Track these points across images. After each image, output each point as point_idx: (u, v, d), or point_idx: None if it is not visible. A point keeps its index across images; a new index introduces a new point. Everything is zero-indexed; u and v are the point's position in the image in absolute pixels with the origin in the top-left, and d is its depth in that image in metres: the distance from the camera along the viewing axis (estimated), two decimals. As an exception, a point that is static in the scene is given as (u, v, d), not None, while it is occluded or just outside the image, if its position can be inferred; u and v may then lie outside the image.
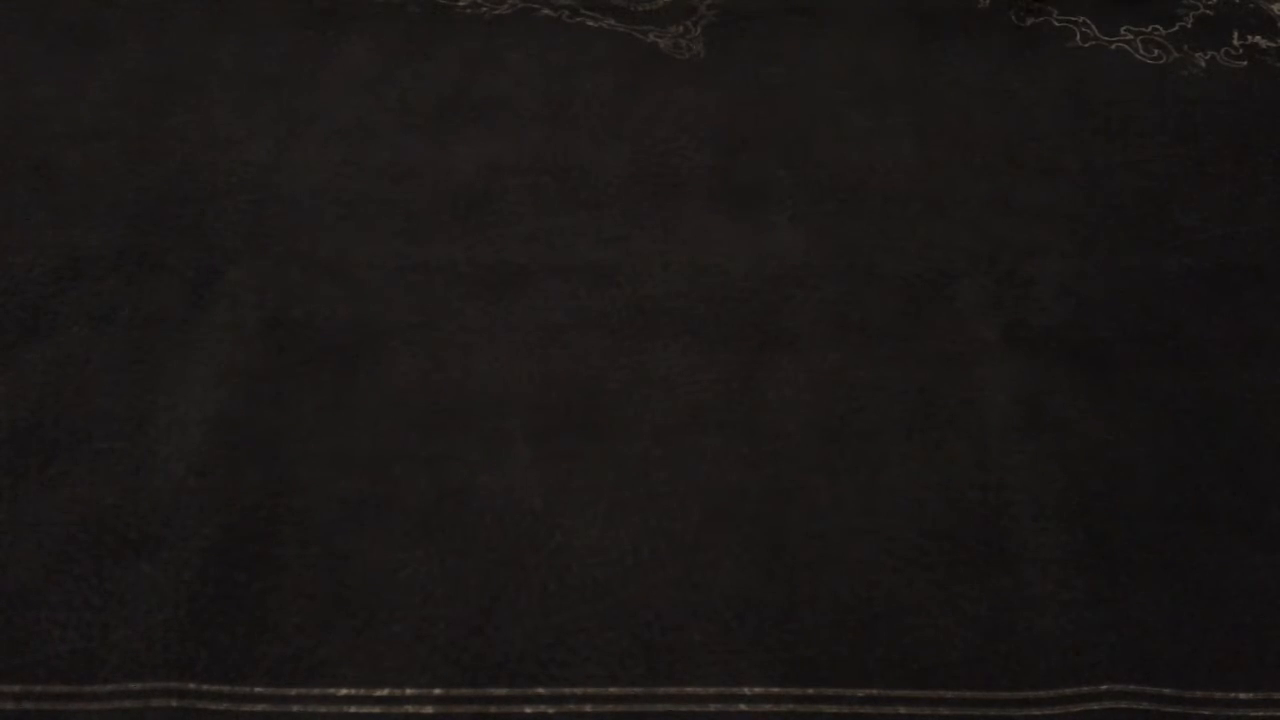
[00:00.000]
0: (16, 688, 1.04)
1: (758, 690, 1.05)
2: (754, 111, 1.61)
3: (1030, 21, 1.77)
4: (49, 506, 1.16)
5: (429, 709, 1.04)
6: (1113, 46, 1.73)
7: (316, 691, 1.04)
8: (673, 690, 1.05)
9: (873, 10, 1.77)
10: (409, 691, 1.04)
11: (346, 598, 1.10)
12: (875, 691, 1.05)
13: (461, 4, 1.76)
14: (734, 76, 1.66)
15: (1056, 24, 1.76)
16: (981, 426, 1.25)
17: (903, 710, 1.04)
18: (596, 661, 1.06)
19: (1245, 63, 1.71)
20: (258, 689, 1.04)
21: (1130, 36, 1.74)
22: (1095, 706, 1.05)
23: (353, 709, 1.04)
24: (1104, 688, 1.06)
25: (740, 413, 1.26)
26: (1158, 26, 1.76)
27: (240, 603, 1.09)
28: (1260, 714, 1.05)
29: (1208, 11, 1.78)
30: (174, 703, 1.03)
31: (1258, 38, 1.74)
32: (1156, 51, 1.72)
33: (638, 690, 1.05)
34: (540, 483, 1.19)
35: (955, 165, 1.54)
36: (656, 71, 1.67)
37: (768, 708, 1.04)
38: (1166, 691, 1.06)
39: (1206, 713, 1.05)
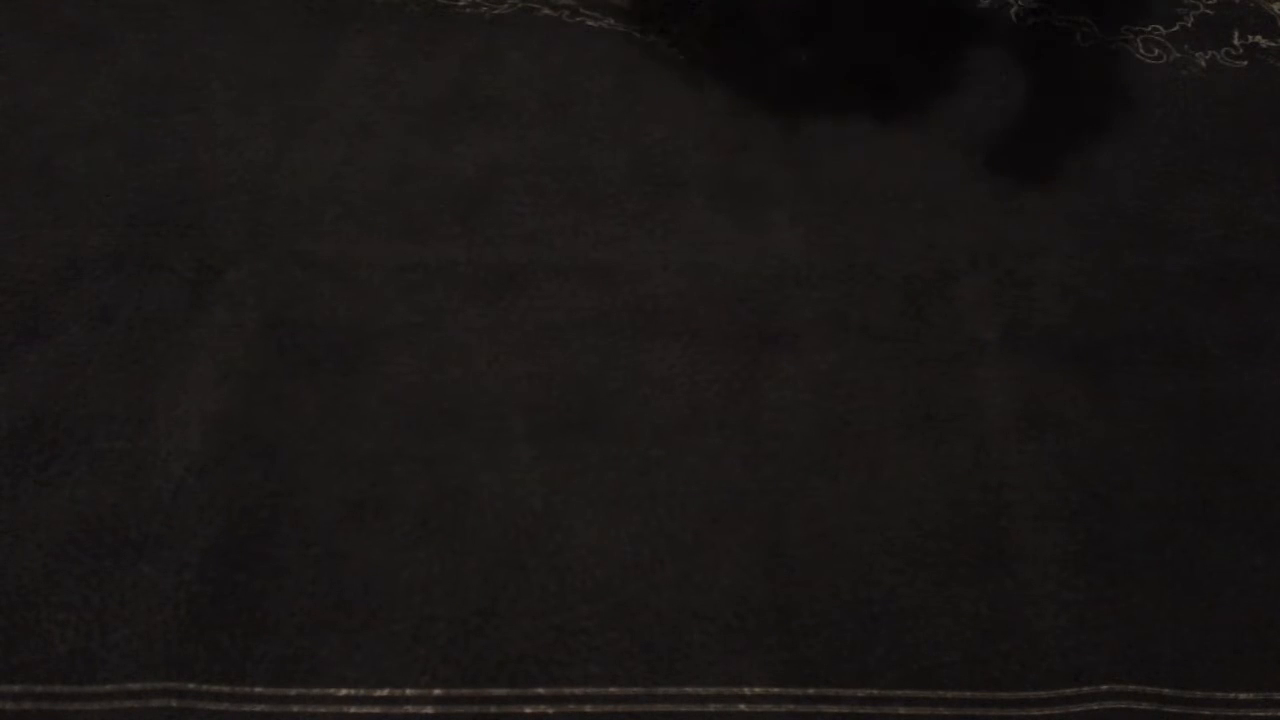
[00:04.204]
0: (16, 688, 1.04)
1: (758, 690, 1.05)
2: (754, 111, 1.61)
3: (1030, 21, 1.77)
4: (49, 506, 1.16)
5: (429, 709, 1.04)
6: (1113, 46, 1.73)
7: (316, 691, 1.04)
8: (673, 690, 1.05)
9: (871, 11, 1.77)
10: (409, 691, 1.04)
11: (346, 598, 1.10)
12: (875, 691, 1.05)
13: (461, 4, 1.76)
14: (734, 76, 1.66)
15: (1057, 24, 1.76)
16: (981, 426, 1.25)
17: (903, 710, 1.04)
18: (596, 661, 1.06)
19: (1245, 62, 1.71)
20: (258, 689, 1.04)
21: (1130, 36, 1.74)
22: (1095, 706, 1.05)
23: (353, 709, 1.04)
24: (1104, 688, 1.06)
25: (740, 413, 1.26)
26: (1158, 26, 1.76)
27: (240, 603, 1.09)
28: (1260, 714, 1.05)
29: (1208, 11, 1.78)
30: (174, 703, 1.03)
31: (1258, 37, 1.74)
32: (1156, 51, 1.72)
33: (638, 690, 1.05)
34: (540, 483, 1.19)
35: (955, 165, 1.54)
36: (656, 71, 1.67)
37: (768, 708, 1.04)
38: (1166, 691, 1.06)
39: (1206, 713, 1.05)
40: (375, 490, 1.18)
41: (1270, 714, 1.05)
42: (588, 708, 1.04)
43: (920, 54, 1.71)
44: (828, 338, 1.33)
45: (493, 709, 1.04)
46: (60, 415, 1.23)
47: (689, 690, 1.05)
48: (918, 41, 1.73)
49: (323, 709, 1.03)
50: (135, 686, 1.04)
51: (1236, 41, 1.73)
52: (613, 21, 1.74)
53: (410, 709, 1.04)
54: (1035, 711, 1.04)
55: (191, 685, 1.04)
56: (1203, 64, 1.70)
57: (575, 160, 1.53)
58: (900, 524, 1.17)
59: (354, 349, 1.30)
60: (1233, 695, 1.06)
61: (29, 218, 1.43)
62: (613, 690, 1.05)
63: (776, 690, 1.05)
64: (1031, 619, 1.10)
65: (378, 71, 1.65)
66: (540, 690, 1.05)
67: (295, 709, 1.03)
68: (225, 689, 1.04)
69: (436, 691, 1.05)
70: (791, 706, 1.04)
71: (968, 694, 1.05)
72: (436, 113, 1.59)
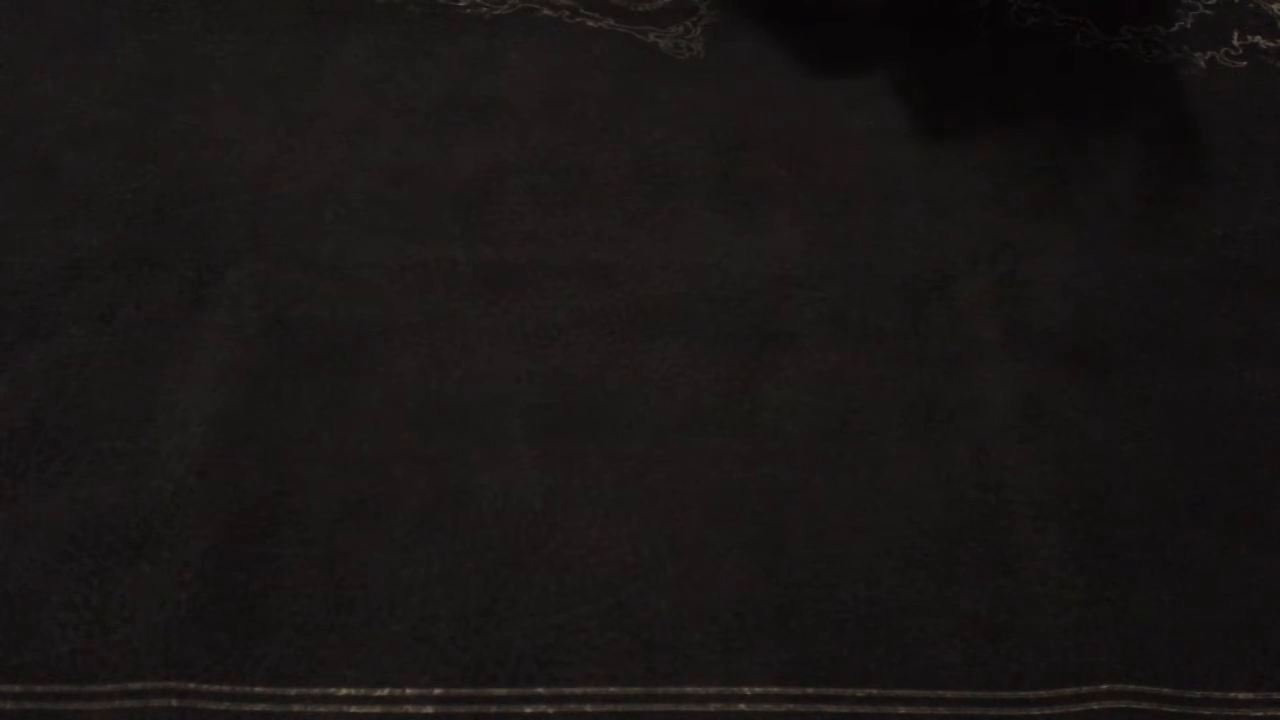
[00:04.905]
0: (16, 688, 1.04)
1: (758, 690, 1.05)
2: (754, 111, 1.61)
3: (1030, 21, 1.77)
4: (49, 506, 1.16)
5: (429, 709, 1.04)
6: (1112, 46, 1.73)
7: (316, 691, 1.04)
8: (673, 690, 1.05)
9: (872, 11, 1.77)
10: (409, 691, 1.04)
11: (346, 598, 1.10)
12: (875, 691, 1.05)
13: (461, 4, 1.76)
14: (734, 76, 1.66)
15: (1057, 24, 1.76)
16: (981, 426, 1.25)
17: (903, 710, 1.05)
18: (596, 661, 1.06)
19: (1245, 63, 1.71)
20: (258, 689, 1.04)
21: (1130, 36, 1.74)
22: (1095, 706, 1.05)
23: (353, 709, 1.04)
24: (1104, 688, 1.06)
25: (740, 413, 1.26)
26: (1158, 26, 1.76)
27: (240, 603, 1.09)
28: (1260, 714, 1.05)
29: (1208, 11, 1.78)
30: (174, 702, 1.03)
31: (1258, 38, 1.74)
32: (1156, 51, 1.72)
33: (638, 690, 1.05)
34: (540, 483, 1.19)
35: (955, 165, 1.54)
36: (656, 71, 1.67)
37: (768, 708, 1.04)
38: (1166, 691, 1.06)
39: (1206, 713, 1.05)
40: (375, 490, 1.18)
41: (1270, 714, 1.05)
42: (588, 708, 1.04)
43: (920, 53, 1.71)
44: (828, 338, 1.33)
45: (493, 709, 1.04)
46: (60, 415, 1.23)
47: (689, 690, 1.05)
48: (917, 41, 1.73)
49: (323, 709, 1.03)
50: (135, 686, 1.04)
51: (1236, 41, 1.73)
52: (613, 21, 1.74)
53: (410, 709, 1.04)
54: (1035, 711, 1.05)
55: (191, 685, 1.04)
56: (1203, 64, 1.70)
57: (575, 160, 1.53)
58: (900, 524, 1.17)
59: (354, 349, 1.30)
60: (1232, 695, 1.06)
61: (29, 218, 1.43)
62: (613, 690, 1.05)
63: (776, 690, 1.05)
64: (1031, 619, 1.10)
65: (378, 71, 1.65)
66: (540, 690, 1.05)
67: (295, 709, 1.03)
68: (225, 689, 1.04)
69: (436, 691, 1.05)
70: (791, 706, 1.04)
71: (968, 694, 1.05)
72: (436, 113, 1.59)
